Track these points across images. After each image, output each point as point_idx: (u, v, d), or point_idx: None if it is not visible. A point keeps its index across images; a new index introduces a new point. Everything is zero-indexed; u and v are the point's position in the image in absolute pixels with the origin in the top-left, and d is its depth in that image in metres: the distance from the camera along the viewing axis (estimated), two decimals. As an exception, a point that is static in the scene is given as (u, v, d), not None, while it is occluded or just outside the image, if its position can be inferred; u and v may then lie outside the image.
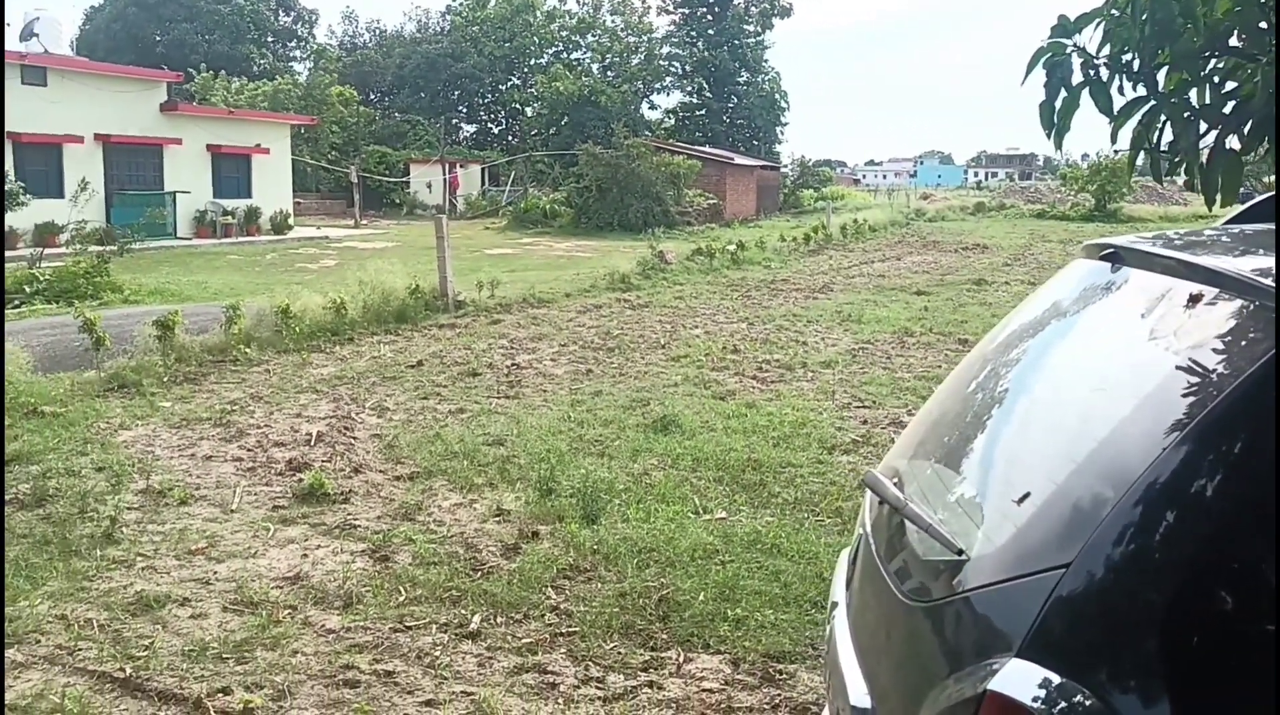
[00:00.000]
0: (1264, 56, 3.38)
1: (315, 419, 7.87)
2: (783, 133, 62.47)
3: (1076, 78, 3.57)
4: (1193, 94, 3.75)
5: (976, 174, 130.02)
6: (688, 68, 58.72)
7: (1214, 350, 1.45)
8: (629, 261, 18.35)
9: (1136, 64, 3.70)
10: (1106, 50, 3.69)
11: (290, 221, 32.30)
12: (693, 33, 59.00)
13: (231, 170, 31.81)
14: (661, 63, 59.01)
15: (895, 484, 1.94)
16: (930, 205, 46.50)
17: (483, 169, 50.34)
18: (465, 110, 64.08)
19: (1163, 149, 3.66)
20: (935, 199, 54.18)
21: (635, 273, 17.43)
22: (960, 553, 1.56)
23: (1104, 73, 3.60)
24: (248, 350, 10.24)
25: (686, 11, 59.48)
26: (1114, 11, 3.59)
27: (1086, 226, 36.10)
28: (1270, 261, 1.65)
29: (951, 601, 1.56)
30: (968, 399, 1.99)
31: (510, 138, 62.44)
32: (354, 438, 7.36)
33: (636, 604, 4.52)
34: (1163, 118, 3.67)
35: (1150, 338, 1.68)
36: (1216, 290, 1.53)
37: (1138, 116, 3.75)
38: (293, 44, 68.85)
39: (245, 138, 32.21)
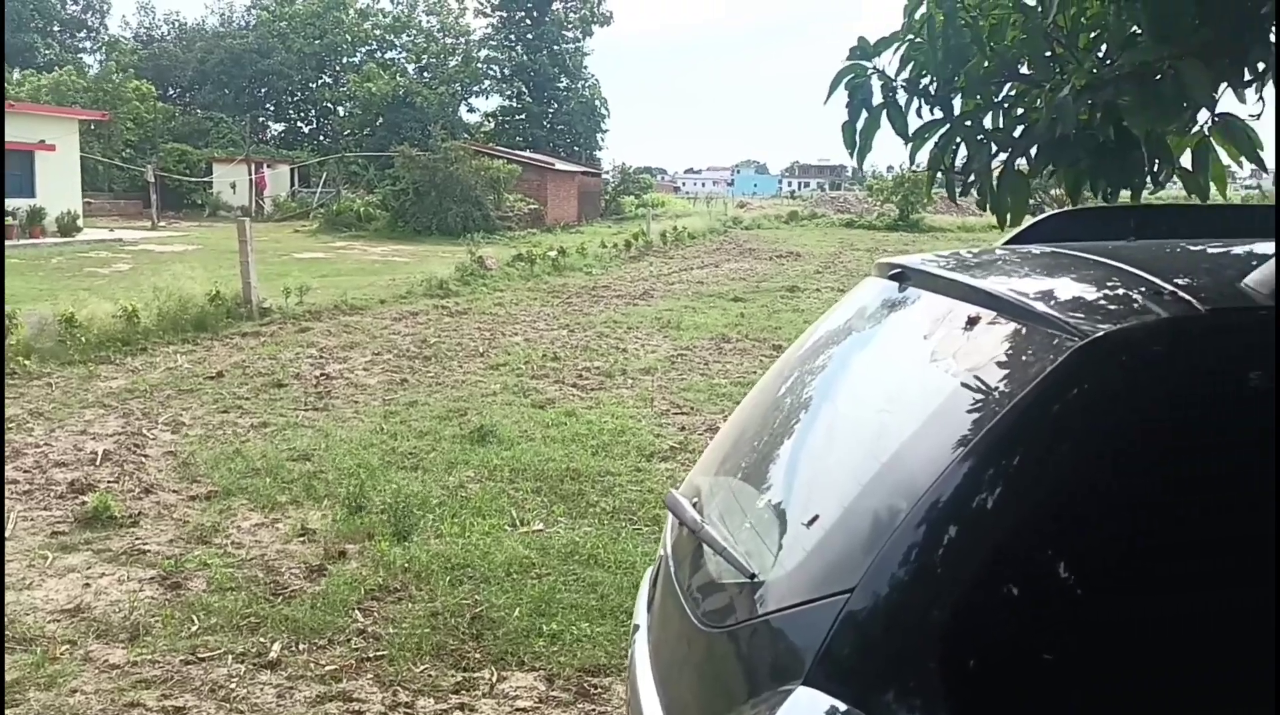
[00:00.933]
0: (1048, 83, 3.57)
1: (102, 436, 7.32)
2: (603, 139, 63.06)
3: (877, 99, 3.68)
4: (986, 118, 3.93)
5: (790, 183, 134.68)
6: (507, 71, 58.32)
7: (991, 372, 1.46)
8: (448, 267, 18.01)
9: (934, 88, 3.84)
10: (907, 73, 3.82)
11: (80, 223, 30.07)
12: (511, 36, 58.67)
13: (12, 167, 29.26)
14: (480, 65, 58.38)
15: (695, 504, 1.91)
16: (747, 213, 47.78)
17: (292, 169, 48.39)
18: (273, 108, 61.51)
19: (957, 169, 3.82)
20: (751, 207, 55.70)
21: (454, 278, 17.12)
22: (753, 577, 1.54)
23: (903, 95, 3.72)
24: (27, 363, 9.44)
25: (504, 15, 59.08)
26: (911, 36, 3.72)
27: (891, 235, 37.92)
28: (1047, 284, 1.71)
29: (744, 627, 1.53)
30: (767, 415, 1.98)
31: (322, 138, 60.30)
32: (145, 456, 6.88)
33: (449, 623, 4.38)
34: (958, 140, 3.83)
35: (932, 359, 1.71)
36: (994, 313, 1.55)
37: (935, 138, 3.91)
38: (82, 35, 64.34)
39: (27, 133, 29.78)
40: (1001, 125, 3.90)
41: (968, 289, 1.64)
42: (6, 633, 4.23)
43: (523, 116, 58.45)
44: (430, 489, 6.13)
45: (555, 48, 58.20)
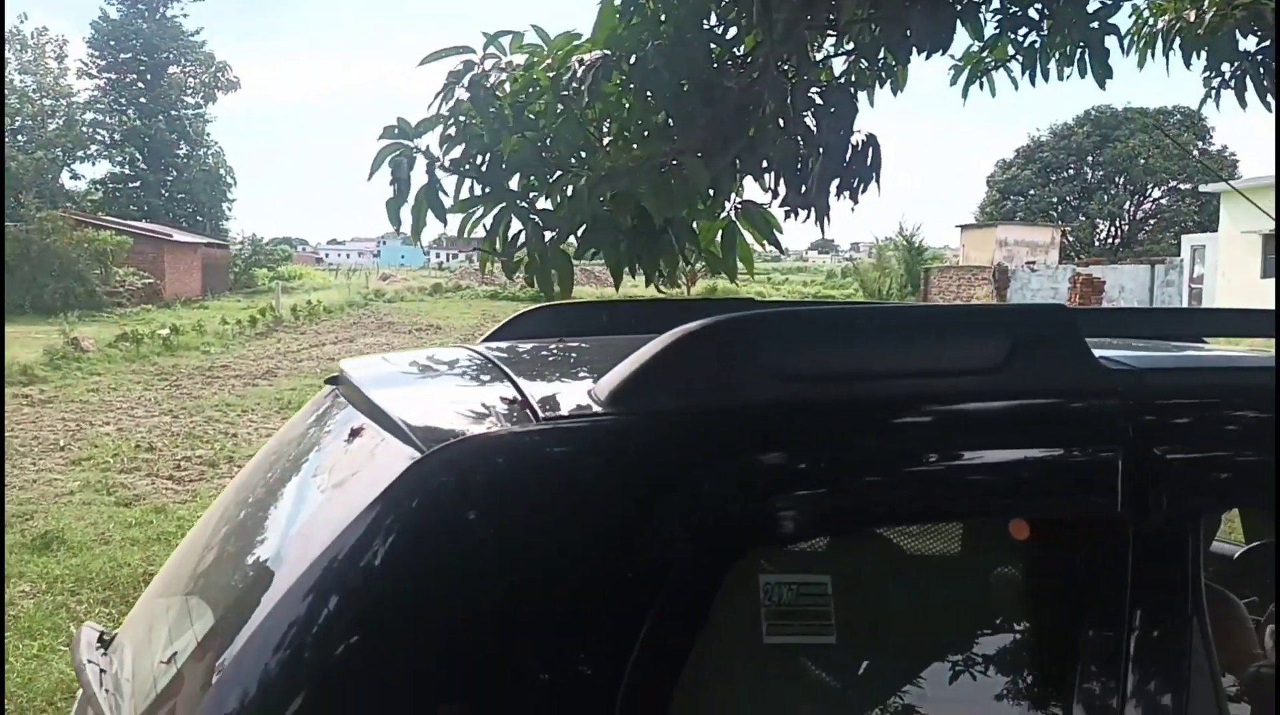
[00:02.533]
0: (577, 171, 3.78)
1: None
2: (230, 209, 59.44)
3: (422, 179, 3.71)
4: (541, 199, 4.09)
5: (439, 255, 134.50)
6: (117, 136, 53.77)
7: (348, 487, 1.42)
8: (35, 350, 16.14)
9: (484, 167, 3.95)
10: (457, 153, 3.90)
11: None
12: (122, 99, 54.29)
13: None
14: (85, 129, 53.39)
15: (104, 635, 1.75)
16: (390, 286, 47.02)
17: None
18: None
19: (506, 249, 3.93)
20: (396, 279, 54.96)
21: (41, 363, 15.36)
22: None
23: (447, 174, 3.78)
24: None
25: (113, 77, 54.63)
26: (460, 117, 3.80)
27: (534, 306, 38.81)
28: (433, 392, 1.71)
29: None
30: (212, 528, 1.85)
31: (-113, 205, 52.34)
32: None
33: (-34, 771, 3.80)
34: (509, 218, 3.96)
35: (314, 474, 1.66)
36: (373, 424, 1.49)
37: (490, 216, 4.01)
38: None
39: None
40: (552, 206, 4.09)
41: (362, 398, 1.59)
42: None
43: (137, 184, 54.02)
44: (-31, 611, 5.36)
45: (173, 113, 54.53)
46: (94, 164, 55.29)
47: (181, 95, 55.61)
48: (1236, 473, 1.54)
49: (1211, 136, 50.40)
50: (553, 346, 2.04)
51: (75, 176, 54.26)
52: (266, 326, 24.88)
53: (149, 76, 54.63)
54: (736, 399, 1.29)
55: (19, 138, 50.92)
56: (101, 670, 1.57)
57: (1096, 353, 1.47)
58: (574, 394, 1.37)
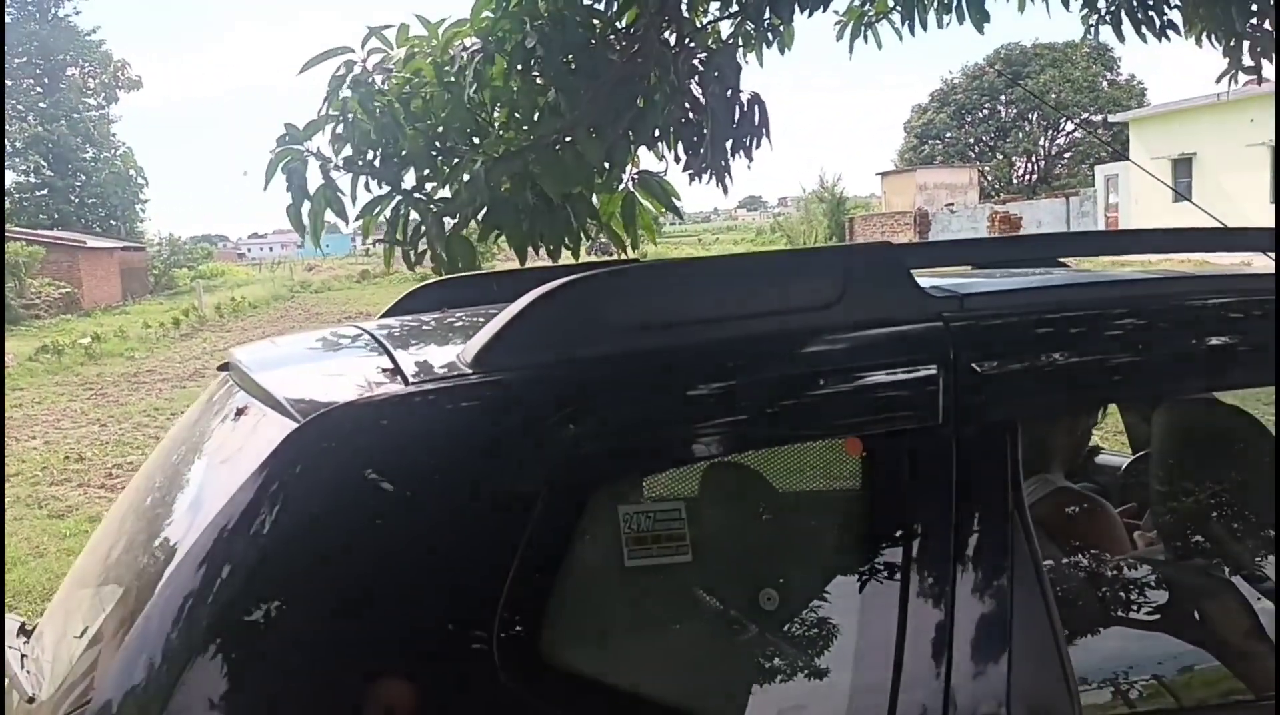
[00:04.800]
0: (473, 156, 3.85)
1: None
2: (145, 210, 57.89)
3: (318, 180, 3.75)
4: (441, 189, 4.15)
5: (366, 243, 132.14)
6: (19, 144, 52.02)
7: (232, 463, 1.50)
8: (-48, 371, 15.75)
9: (378, 163, 4.00)
10: (347, 152, 3.94)
11: None
12: (20, 106, 52.50)
13: None
14: (-18, 139, 51.57)
15: (25, 624, 1.83)
16: (316, 276, 46.26)
17: None
18: None
19: (409, 239, 4.00)
20: (322, 269, 53.99)
21: (-41, 384, 15.00)
22: (31, 699, 1.47)
23: (343, 175, 3.82)
24: None
25: (9, 83, 52.76)
26: (347, 116, 3.84)
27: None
28: (314, 366, 1.81)
29: None
30: (119, 514, 1.93)
31: None
32: None
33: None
34: (405, 210, 4.02)
35: (200, 454, 1.76)
36: (256, 402, 1.57)
37: (387, 211, 4.07)
38: None
39: None
40: (451, 195, 4.15)
41: (249, 380, 1.68)
42: None
43: (45, 192, 52.17)
44: (-95, 638, 5.33)
45: (75, 116, 52.82)
46: (-3, 175, 53.50)
47: (82, 97, 53.82)
48: (1050, 382, 1.67)
49: (1119, 67, 51.59)
50: (436, 319, 2.15)
51: (-20, 187, 52.49)
52: (190, 327, 24.49)
53: (46, 80, 52.75)
54: (582, 352, 1.42)
55: (-88, 153, 49.01)
56: (23, 655, 1.66)
57: (926, 283, 1.61)
58: (443, 359, 1.50)
